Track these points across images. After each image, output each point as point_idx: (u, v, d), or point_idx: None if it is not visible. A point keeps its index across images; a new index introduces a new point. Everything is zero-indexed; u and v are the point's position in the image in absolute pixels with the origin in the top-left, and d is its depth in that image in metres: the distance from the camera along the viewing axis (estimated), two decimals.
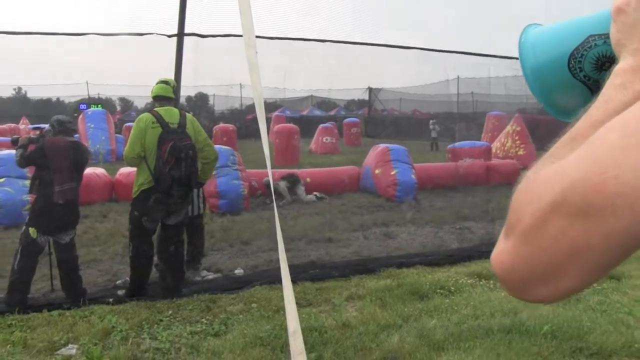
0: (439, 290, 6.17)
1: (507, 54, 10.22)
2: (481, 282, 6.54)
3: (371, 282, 6.58)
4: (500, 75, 17.37)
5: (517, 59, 0.93)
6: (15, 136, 6.44)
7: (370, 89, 48.41)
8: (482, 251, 7.78)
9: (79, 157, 6.27)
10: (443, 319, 5.28)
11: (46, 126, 6.47)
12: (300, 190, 12.56)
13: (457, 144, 17.99)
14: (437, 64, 11.68)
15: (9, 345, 4.83)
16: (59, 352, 4.75)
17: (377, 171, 13.38)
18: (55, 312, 5.60)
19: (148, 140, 5.94)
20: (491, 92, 27.23)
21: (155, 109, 6.18)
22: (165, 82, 6.36)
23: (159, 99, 6.30)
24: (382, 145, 14.25)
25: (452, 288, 6.26)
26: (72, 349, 4.78)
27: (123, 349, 4.72)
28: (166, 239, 6.29)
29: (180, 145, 5.98)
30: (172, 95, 6.39)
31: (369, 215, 11.14)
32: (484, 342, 4.69)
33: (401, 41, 9.37)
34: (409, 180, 12.85)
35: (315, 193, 12.89)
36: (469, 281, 6.55)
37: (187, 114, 6.36)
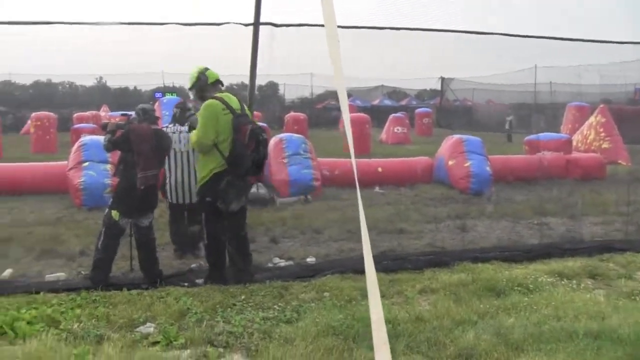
0: (516, 288, 5.96)
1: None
2: (563, 282, 6.27)
3: (445, 275, 6.45)
4: (592, 62, 16.52)
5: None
6: (105, 121, 6.65)
7: (442, 79, 47.78)
8: (565, 249, 7.51)
9: (161, 144, 6.42)
10: (521, 318, 5.08)
11: (132, 113, 6.66)
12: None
13: (535, 135, 17.43)
14: (515, 51, 11.25)
15: (93, 319, 5.03)
16: (138, 329, 4.89)
17: (450, 162, 13.16)
18: (134, 292, 5.79)
19: (221, 126, 5.97)
20: (579, 81, 26.27)
21: (218, 94, 6.18)
22: (207, 69, 6.34)
23: (217, 82, 6.29)
24: (455, 136, 14.02)
25: (531, 286, 6.02)
26: (150, 327, 4.90)
27: (198, 330, 4.80)
28: (236, 223, 6.32)
29: (257, 129, 6.04)
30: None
31: (442, 207, 10.97)
32: (567, 346, 4.46)
33: (476, 27, 8.96)
34: (483, 172, 12.58)
35: (376, 188, 12.64)
36: (549, 280, 6.29)
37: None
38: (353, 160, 3.02)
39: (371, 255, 2.88)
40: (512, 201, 11.65)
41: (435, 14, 8.42)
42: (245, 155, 5.95)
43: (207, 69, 6.28)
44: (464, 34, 8.70)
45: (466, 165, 12.68)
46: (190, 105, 6.16)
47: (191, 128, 6.29)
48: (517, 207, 10.91)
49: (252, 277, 6.23)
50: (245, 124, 6.02)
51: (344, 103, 2.91)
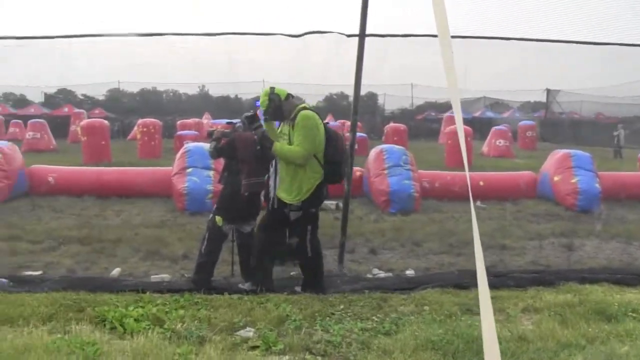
0: (630, 314, 5.57)
1: None
2: None
3: (549, 295, 6.18)
4: None
5: None
6: (211, 129, 6.82)
7: (547, 91, 46.34)
8: None
9: (265, 151, 6.51)
10: (638, 347, 4.74)
11: (238, 121, 6.79)
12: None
13: None
14: (629, 61, 10.68)
15: (196, 321, 5.16)
16: (238, 333, 4.97)
17: (556, 178, 12.69)
18: (235, 296, 5.90)
19: (321, 135, 6.00)
20: None
21: (301, 105, 6.18)
22: (273, 88, 6.25)
23: (289, 97, 6.19)
24: (562, 151, 13.53)
25: None
26: (249, 332, 4.97)
27: (296, 337, 4.82)
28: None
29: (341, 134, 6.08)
30: None
31: (546, 224, 10.60)
32: None
33: (586, 36, 8.53)
34: (592, 189, 12.04)
35: (477, 202, 12.32)
36: None
37: None
38: (467, 174, 2.95)
39: (484, 271, 2.78)
40: (624, 220, 11.06)
41: (542, 24, 8.14)
42: (342, 162, 6.05)
43: (273, 88, 6.21)
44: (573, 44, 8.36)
45: (573, 181, 12.19)
46: (259, 116, 6.11)
47: (266, 140, 6.13)
48: (630, 227, 10.34)
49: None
50: (338, 134, 6.12)
51: (458, 114, 2.85)
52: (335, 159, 6.03)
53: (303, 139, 5.90)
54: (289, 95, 6.16)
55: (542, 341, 4.83)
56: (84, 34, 6.72)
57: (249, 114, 6.55)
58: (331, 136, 6.05)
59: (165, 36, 7.00)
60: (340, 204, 11.35)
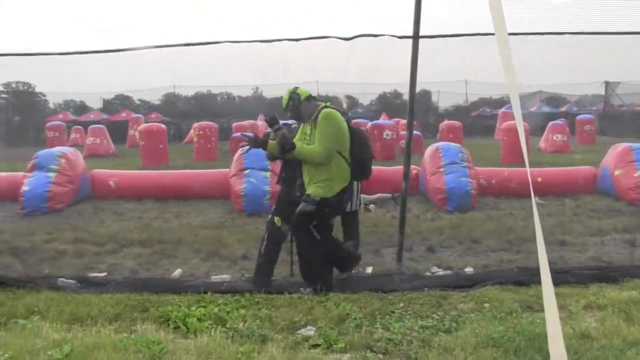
0: None
1: None
2: None
3: (613, 292, 6.04)
4: None
5: None
6: (268, 131, 6.91)
7: (606, 83, 45.15)
8: None
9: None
10: None
11: (294, 122, 6.87)
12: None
13: None
14: None
15: (257, 320, 5.26)
16: (299, 331, 5.04)
17: (616, 172, 12.35)
18: (295, 295, 5.98)
19: (345, 133, 6.10)
20: None
21: (323, 103, 6.25)
22: (297, 88, 6.35)
23: (310, 98, 6.28)
24: (623, 144, 13.12)
25: None
26: (310, 330, 5.04)
27: (357, 335, 4.86)
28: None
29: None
30: None
31: (608, 220, 10.32)
32: None
33: None
34: None
35: (536, 198, 12.07)
36: None
37: None
38: (528, 169, 2.94)
39: (548, 268, 2.78)
40: None
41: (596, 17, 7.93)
42: (368, 159, 6.24)
43: (297, 88, 6.31)
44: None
45: (636, 175, 11.84)
46: (279, 119, 6.17)
47: (286, 141, 6.10)
48: None
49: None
50: (361, 129, 6.26)
51: (517, 109, 2.84)
52: (361, 157, 6.12)
53: (323, 137, 5.97)
54: (310, 97, 6.26)
55: (607, 339, 4.73)
56: (147, 46, 6.91)
57: (270, 116, 6.61)
58: (355, 134, 6.14)
59: (222, 43, 7.13)
60: (371, 206, 11.42)
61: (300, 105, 6.21)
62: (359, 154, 6.13)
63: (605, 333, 4.84)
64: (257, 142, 6.35)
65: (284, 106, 6.37)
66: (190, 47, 7.12)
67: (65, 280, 6.57)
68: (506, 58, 2.93)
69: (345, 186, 6.09)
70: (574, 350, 4.48)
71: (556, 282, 6.27)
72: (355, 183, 7.11)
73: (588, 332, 4.86)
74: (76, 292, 6.20)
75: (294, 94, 6.24)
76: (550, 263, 7.19)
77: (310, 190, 6.10)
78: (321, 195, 6.02)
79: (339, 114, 6.09)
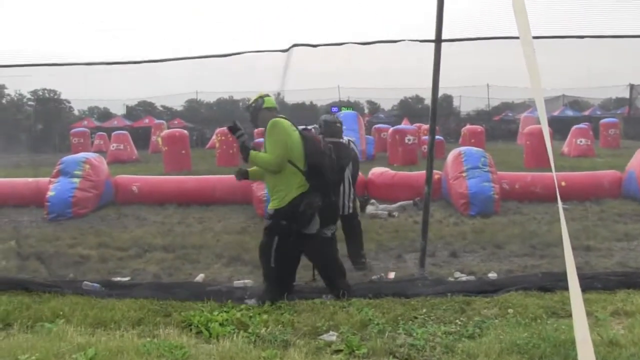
0: None
1: None
2: None
3: None
4: None
5: None
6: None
7: (631, 86, 44.68)
8: None
9: (339, 158, 6.52)
10: None
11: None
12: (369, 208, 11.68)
13: None
14: None
15: (280, 325, 5.26)
16: (321, 337, 5.03)
17: None
18: (317, 300, 5.96)
19: (294, 141, 6.07)
20: None
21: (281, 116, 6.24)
22: (267, 95, 6.40)
23: (272, 109, 6.29)
24: None
25: None
26: (332, 336, 5.01)
27: (380, 341, 4.83)
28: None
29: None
30: None
31: (634, 225, 10.17)
32: None
33: None
34: None
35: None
36: None
37: None
38: (554, 174, 2.91)
39: (575, 272, 2.74)
40: None
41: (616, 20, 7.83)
42: (324, 166, 6.10)
43: (267, 95, 6.37)
44: None
45: None
46: (239, 125, 6.22)
47: (244, 148, 6.20)
48: None
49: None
50: (315, 135, 6.26)
51: (542, 113, 2.81)
52: (314, 164, 6.05)
53: (272, 146, 6.00)
54: (273, 108, 6.31)
55: (636, 346, 4.64)
56: (168, 58, 7.00)
57: (328, 117, 6.59)
58: (308, 141, 6.11)
59: (244, 54, 7.18)
60: (395, 213, 11.39)
61: (260, 112, 6.27)
62: (312, 160, 6.05)
63: (634, 340, 4.75)
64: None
65: (247, 106, 6.52)
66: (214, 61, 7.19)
67: (90, 283, 6.63)
68: (531, 60, 2.91)
69: (299, 195, 5.99)
70: (602, 358, 4.40)
71: (582, 288, 6.16)
72: (346, 186, 7.26)
73: (616, 340, 4.77)
74: (100, 296, 6.25)
75: (259, 99, 6.32)
76: (576, 268, 7.15)
77: (270, 205, 6.17)
78: (275, 207, 6.04)
79: (286, 123, 6.10)
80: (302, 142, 6.09)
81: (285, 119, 6.19)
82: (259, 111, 6.28)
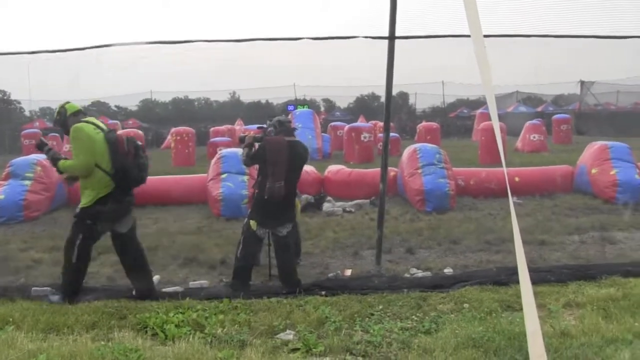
0: None
1: None
2: None
3: (591, 289, 6.08)
4: None
5: None
6: (242, 134, 6.86)
7: (581, 83, 45.60)
8: None
9: (295, 156, 6.51)
10: None
11: (264, 126, 6.84)
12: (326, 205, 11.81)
13: None
14: None
15: (236, 325, 5.21)
16: (278, 336, 5.01)
17: (593, 171, 12.48)
18: (274, 299, 5.91)
19: (98, 145, 6.04)
20: None
21: (84, 119, 6.23)
22: (68, 102, 6.38)
23: (78, 113, 6.29)
24: (599, 143, 13.27)
25: None
26: (289, 335, 5.00)
27: (337, 339, 4.83)
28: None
29: (131, 138, 6.41)
30: None
31: (585, 218, 10.41)
32: None
33: (619, 30, 8.26)
34: (632, 180, 11.77)
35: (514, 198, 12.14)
36: None
37: None
38: (504, 169, 2.93)
39: (526, 266, 2.76)
40: None
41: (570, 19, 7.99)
42: (128, 166, 6.09)
43: (67, 102, 6.36)
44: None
45: (612, 173, 11.96)
46: (46, 140, 6.29)
47: (53, 160, 6.28)
48: None
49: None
50: (118, 136, 6.23)
51: (493, 109, 2.83)
52: (117, 165, 6.05)
53: (75, 151, 6.05)
54: (79, 112, 6.30)
55: (586, 336, 4.75)
56: (110, 43, 6.84)
57: (281, 117, 6.54)
58: (110, 142, 6.10)
59: (195, 43, 7.05)
60: (351, 209, 11.44)
61: (68, 120, 6.22)
62: (116, 162, 6.05)
63: (585, 331, 4.87)
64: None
65: (54, 120, 6.48)
66: (164, 48, 7.02)
67: (39, 288, 6.47)
68: (481, 56, 2.92)
69: (105, 195, 6.02)
70: (554, 349, 4.49)
71: (535, 281, 6.32)
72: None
73: (568, 330, 4.89)
74: (51, 300, 6.09)
75: (62, 109, 6.30)
76: (530, 262, 7.24)
77: (80, 204, 6.15)
78: (82, 206, 6.07)
79: (89, 127, 6.08)
80: (106, 144, 6.06)
81: (91, 122, 6.17)
82: (66, 120, 6.25)
